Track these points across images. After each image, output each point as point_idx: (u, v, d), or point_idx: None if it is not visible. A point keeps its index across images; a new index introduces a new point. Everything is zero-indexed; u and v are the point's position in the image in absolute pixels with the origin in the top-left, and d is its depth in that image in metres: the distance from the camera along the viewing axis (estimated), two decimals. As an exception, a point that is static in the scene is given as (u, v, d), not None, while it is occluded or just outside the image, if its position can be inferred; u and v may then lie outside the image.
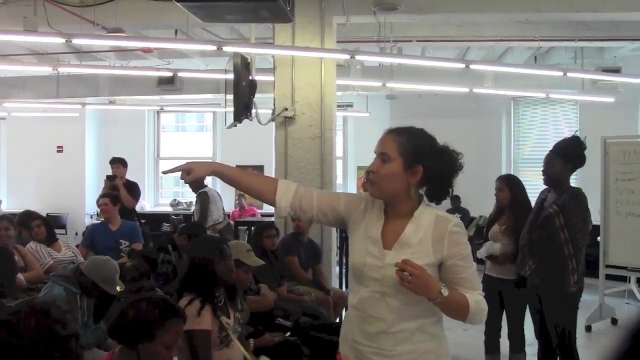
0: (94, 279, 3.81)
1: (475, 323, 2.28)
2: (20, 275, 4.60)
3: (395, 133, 2.23)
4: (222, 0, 3.08)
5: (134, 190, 7.44)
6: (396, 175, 2.18)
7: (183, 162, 2.39)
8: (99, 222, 6.12)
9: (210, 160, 2.22)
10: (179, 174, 2.35)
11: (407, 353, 2.22)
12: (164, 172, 2.45)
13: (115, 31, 5.67)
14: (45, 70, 7.77)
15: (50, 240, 5.36)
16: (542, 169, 4.41)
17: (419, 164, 2.18)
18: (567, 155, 4.29)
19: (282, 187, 2.33)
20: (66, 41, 4.95)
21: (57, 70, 6.72)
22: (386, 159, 2.20)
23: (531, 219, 4.39)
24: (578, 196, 4.24)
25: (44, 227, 5.33)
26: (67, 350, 1.60)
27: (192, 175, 2.28)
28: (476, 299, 2.19)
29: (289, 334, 3.91)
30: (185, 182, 2.40)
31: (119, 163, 7.58)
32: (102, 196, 6.25)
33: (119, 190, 7.15)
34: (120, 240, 5.83)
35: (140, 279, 4.45)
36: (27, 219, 5.51)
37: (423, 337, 2.23)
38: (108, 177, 7.45)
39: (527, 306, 4.76)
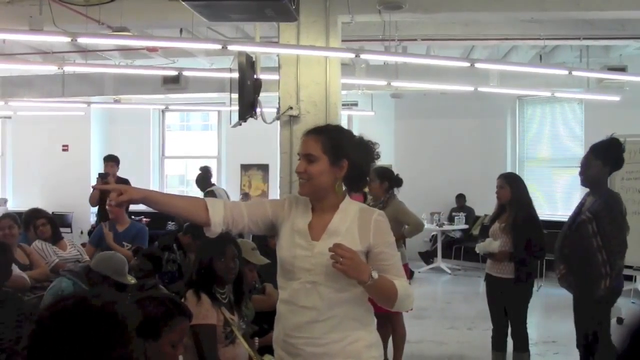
0: (105, 273, 3.85)
1: (403, 309, 2.40)
2: (24, 274, 4.60)
3: (315, 133, 2.37)
4: (229, 0, 3.09)
5: None
6: (324, 172, 2.32)
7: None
8: (107, 221, 6.12)
9: (143, 188, 2.24)
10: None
11: (338, 341, 2.30)
12: (94, 187, 2.48)
13: (120, 30, 5.67)
14: (50, 69, 7.79)
15: (55, 238, 5.37)
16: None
17: (344, 158, 2.33)
18: (606, 157, 4.21)
19: (212, 204, 2.38)
20: (72, 40, 4.94)
21: (62, 69, 6.71)
22: (312, 159, 2.33)
23: (568, 223, 4.36)
24: (612, 202, 4.19)
25: (49, 225, 5.34)
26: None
27: (124, 196, 2.20)
28: (403, 284, 2.30)
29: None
30: (114, 204, 2.35)
31: (112, 161, 7.60)
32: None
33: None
34: (123, 242, 5.84)
35: (145, 278, 4.46)
36: (33, 217, 5.52)
37: (353, 324, 2.32)
38: (100, 175, 7.48)
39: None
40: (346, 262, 2.14)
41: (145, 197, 2.29)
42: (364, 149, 2.40)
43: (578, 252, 4.11)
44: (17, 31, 5.25)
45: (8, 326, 3.24)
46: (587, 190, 4.39)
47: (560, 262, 4.27)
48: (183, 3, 3.31)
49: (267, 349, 3.56)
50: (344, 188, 2.40)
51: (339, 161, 2.33)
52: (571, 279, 4.17)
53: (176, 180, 13.71)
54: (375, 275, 2.19)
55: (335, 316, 2.29)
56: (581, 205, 4.34)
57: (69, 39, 4.99)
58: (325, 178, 2.33)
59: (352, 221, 2.33)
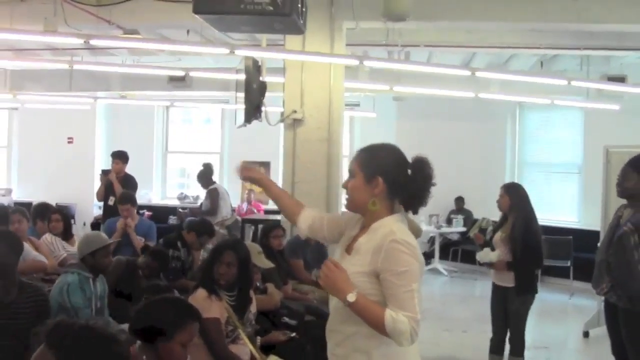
0: (89, 251, 4.05)
1: (398, 343, 2.19)
2: (42, 257, 4.80)
3: (360, 150, 2.43)
4: (238, 14, 3.23)
5: (129, 184, 7.59)
6: (359, 189, 2.35)
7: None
8: (115, 218, 6.28)
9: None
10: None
11: (340, 356, 2.34)
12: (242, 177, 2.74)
13: (131, 33, 5.81)
14: (61, 66, 7.91)
15: (66, 235, 5.54)
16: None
17: (378, 176, 2.32)
18: None
19: (306, 212, 2.65)
20: (84, 42, 5.09)
21: (72, 67, 6.86)
22: (352, 175, 2.39)
23: (608, 237, 4.33)
24: None
25: (62, 222, 5.51)
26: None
27: (251, 172, 2.73)
28: (394, 317, 2.14)
29: (294, 334, 4.06)
30: (242, 177, 2.76)
31: (117, 158, 7.74)
32: (120, 202, 6.42)
33: (113, 184, 7.37)
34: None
35: (151, 274, 4.62)
36: (43, 210, 5.67)
37: (354, 346, 2.29)
38: (103, 171, 7.64)
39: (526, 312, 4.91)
40: (324, 278, 2.20)
41: (262, 179, 2.75)
42: (405, 170, 2.35)
43: (621, 265, 4.06)
44: (31, 32, 5.39)
45: (26, 314, 3.40)
46: (623, 201, 4.36)
47: (604, 275, 4.22)
48: (196, 16, 3.44)
49: (269, 347, 3.73)
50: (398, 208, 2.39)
51: (373, 179, 2.32)
52: (620, 292, 4.10)
53: (177, 173, 13.83)
54: (351, 298, 2.16)
55: (340, 332, 2.32)
56: (618, 218, 4.32)
57: (82, 41, 5.11)
58: (360, 195, 2.34)
59: (376, 242, 2.28)
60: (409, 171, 2.35)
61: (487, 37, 7.68)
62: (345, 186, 2.41)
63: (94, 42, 5.36)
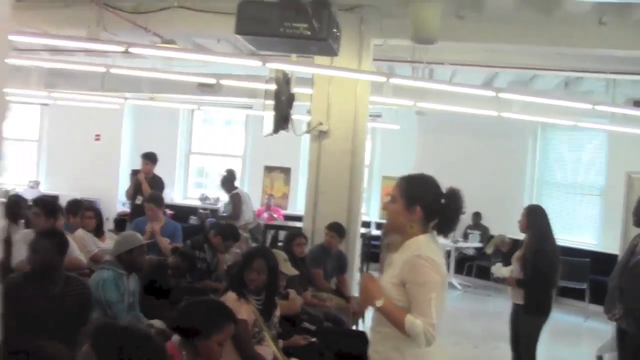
0: (125, 249, 4.28)
1: (417, 344, 2.56)
2: (80, 256, 5.05)
3: (402, 179, 2.81)
4: (277, 36, 3.44)
5: (157, 185, 7.84)
6: (399, 214, 2.74)
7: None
8: (143, 217, 6.51)
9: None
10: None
11: (379, 352, 2.72)
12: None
13: (168, 42, 6.06)
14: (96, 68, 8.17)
15: (98, 232, 5.78)
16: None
17: (417, 204, 2.70)
18: None
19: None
20: (125, 50, 5.33)
21: (108, 70, 7.14)
22: (393, 200, 2.77)
23: (622, 263, 4.43)
24: None
25: (95, 219, 5.76)
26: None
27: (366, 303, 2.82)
28: (412, 321, 2.53)
29: (314, 339, 4.26)
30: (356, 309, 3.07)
31: (147, 159, 7.99)
32: (147, 200, 6.66)
33: (142, 185, 7.62)
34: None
35: (179, 274, 4.84)
36: (76, 207, 5.92)
37: (391, 344, 2.66)
38: (133, 171, 7.88)
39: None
40: (362, 286, 2.71)
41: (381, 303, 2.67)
42: (440, 201, 2.71)
43: (635, 292, 4.14)
44: (75, 38, 5.65)
45: (71, 304, 3.66)
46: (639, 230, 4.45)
47: (617, 302, 4.29)
48: (237, 36, 3.66)
49: (290, 350, 3.93)
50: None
51: (412, 207, 2.70)
52: (630, 319, 4.17)
53: (195, 172, 14.09)
54: (379, 303, 2.61)
55: (379, 332, 2.72)
56: (633, 247, 4.40)
57: (123, 49, 5.35)
58: (399, 219, 2.73)
59: (405, 256, 2.67)
60: (443, 200, 2.72)
61: (511, 57, 7.80)
62: (385, 208, 2.77)
63: (133, 50, 5.61)
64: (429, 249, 2.66)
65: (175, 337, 2.69)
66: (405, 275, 2.62)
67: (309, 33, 3.34)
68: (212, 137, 14.07)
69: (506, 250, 5.40)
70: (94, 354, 1.99)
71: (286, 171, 12.96)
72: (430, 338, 2.53)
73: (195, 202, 13.11)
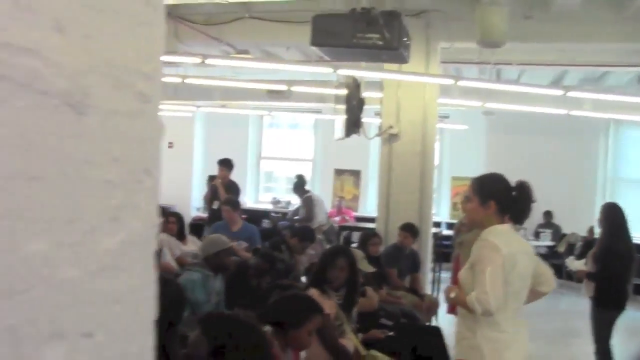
0: (213, 251, 4.54)
1: (476, 313, 2.84)
2: (172, 261, 5.41)
3: (474, 179, 3.13)
4: (350, 47, 3.64)
5: (231, 190, 8.16)
6: (475, 210, 3.03)
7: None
8: (222, 221, 6.83)
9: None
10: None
11: (461, 332, 3.06)
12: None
13: (242, 52, 6.36)
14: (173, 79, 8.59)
15: (180, 236, 6.14)
16: None
17: (490, 200, 2.96)
18: None
19: None
20: (202, 62, 5.65)
21: (184, 80, 7.52)
22: (469, 199, 3.07)
23: None
24: None
25: (177, 225, 6.12)
26: None
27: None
28: (472, 299, 2.82)
29: (392, 333, 4.44)
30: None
31: (223, 165, 8.31)
32: (223, 203, 6.97)
33: (218, 190, 7.95)
34: (239, 241, 6.50)
35: (260, 274, 5.10)
36: (163, 214, 6.29)
37: (466, 326, 2.98)
38: (210, 177, 8.22)
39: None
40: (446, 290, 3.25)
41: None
42: (511, 193, 2.99)
43: None
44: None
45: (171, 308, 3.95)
46: None
47: None
48: (313, 48, 3.89)
49: (369, 344, 4.13)
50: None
51: (487, 202, 2.98)
52: None
53: (264, 176, 14.42)
54: (452, 295, 3.06)
55: (460, 314, 3.11)
56: None
57: (199, 60, 5.67)
58: (477, 215, 3.03)
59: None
60: (514, 193, 3.00)
61: (580, 55, 7.73)
62: (463, 209, 3.20)
63: (209, 61, 5.93)
64: (494, 234, 2.91)
65: (267, 328, 2.93)
66: (472, 258, 2.93)
67: (380, 43, 3.52)
68: (281, 141, 14.39)
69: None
70: (205, 339, 2.23)
71: (356, 174, 13.13)
72: (485, 305, 2.76)
73: (267, 206, 13.45)
